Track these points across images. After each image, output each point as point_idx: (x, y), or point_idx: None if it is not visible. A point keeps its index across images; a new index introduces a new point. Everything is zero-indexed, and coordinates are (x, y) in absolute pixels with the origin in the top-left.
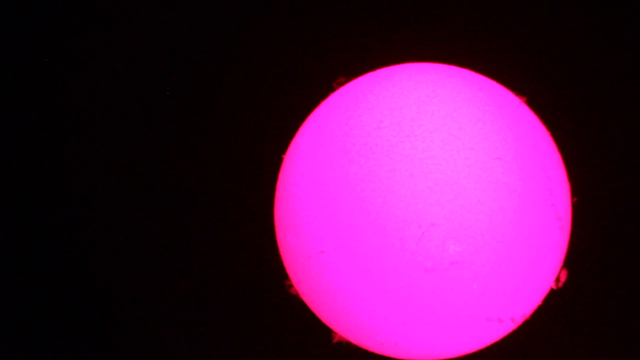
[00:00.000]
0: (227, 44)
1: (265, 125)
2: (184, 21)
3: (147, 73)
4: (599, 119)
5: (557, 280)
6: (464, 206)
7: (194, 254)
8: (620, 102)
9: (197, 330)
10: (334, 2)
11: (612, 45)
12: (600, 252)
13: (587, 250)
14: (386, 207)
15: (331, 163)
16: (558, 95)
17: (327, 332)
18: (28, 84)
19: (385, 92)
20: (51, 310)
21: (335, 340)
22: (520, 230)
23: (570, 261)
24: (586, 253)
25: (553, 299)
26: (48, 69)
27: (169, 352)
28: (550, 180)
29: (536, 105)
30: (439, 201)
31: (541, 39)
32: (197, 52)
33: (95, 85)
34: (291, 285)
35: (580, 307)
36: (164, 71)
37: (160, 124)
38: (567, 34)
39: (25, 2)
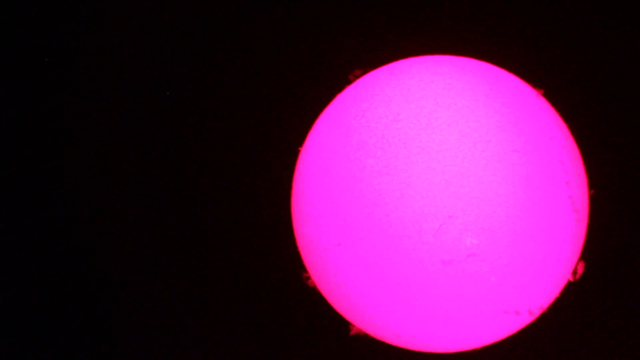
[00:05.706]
0: (245, 38)
1: (282, 118)
2: (201, 18)
3: (160, 71)
4: (616, 111)
5: (574, 272)
6: (481, 198)
7: (212, 247)
8: (637, 95)
9: (215, 323)
10: None
11: (630, 37)
12: (617, 245)
13: (604, 242)
14: (403, 199)
15: (348, 155)
16: (575, 87)
17: (344, 324)
18: (28, 83)
19: (402, 84)
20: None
21: (352, 332)
22: (538, 223)
23: (587, 253)
24: (603, 245)
25: (570, 292)
26: (48, 69)
27: (187, 344)
28: (567, 173)
29: (553, 97)
30: (456, 193)
31: (558, 31)
32: (215, 46)
33: (112, 83)
34: (308, 278)
35: (597, 299)
36: (181, 68)
37: (179, 119)
38: (584, 26)
39: (26, 2)
